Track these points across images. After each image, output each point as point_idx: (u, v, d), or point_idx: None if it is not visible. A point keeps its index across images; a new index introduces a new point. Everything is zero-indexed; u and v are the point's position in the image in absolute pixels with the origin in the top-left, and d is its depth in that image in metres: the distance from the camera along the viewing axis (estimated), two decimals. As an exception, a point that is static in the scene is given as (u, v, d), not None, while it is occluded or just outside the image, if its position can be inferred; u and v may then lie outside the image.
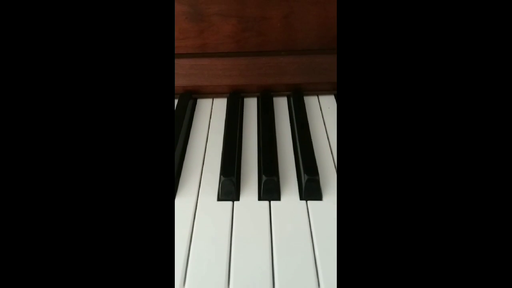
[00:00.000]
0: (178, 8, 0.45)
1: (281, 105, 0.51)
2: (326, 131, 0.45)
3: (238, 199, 0.37)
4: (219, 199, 0.37)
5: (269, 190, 0.36)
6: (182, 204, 0.37)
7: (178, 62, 0.50)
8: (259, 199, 0.37)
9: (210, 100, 0.53)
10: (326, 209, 0.35)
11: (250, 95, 0.53)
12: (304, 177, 0.36)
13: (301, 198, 0.37)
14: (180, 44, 0.49)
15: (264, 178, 0.36)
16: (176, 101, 0.50)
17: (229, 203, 0.36)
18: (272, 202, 0.36)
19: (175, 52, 0.49)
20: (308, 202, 0.36)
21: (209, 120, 0.49)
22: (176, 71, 0.50)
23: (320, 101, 0.51)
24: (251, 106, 0.51)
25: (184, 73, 0.50)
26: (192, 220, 0.35)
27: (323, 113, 0.49)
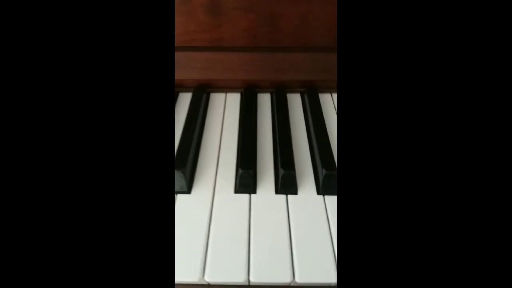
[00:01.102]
0: (197, 0, 0.45)
1: (295, 102, 0.51)
2: (340, 128, 0.46)
3: (255, 192, 0.37)
4: (236, 192, 0.37)
5: (287, 184, 0.37)
6: (199, 197, 0.37)
7: (193, 55, 0.50)
8: (276, 192, 0.37)
9: (223, 94, 0.53)
10: (343, 204, 0.36)
11: (263, 90, 0.53)
12: (322, 172, 0.37)
13: (318, 193, 0.37)
14: (196, 37, 0.49)
15: (282, 171, 0.37)
16: (190, 94, 0.51)
17: (246, 196, 0.37)
18: (289, 196, 0.37)
19: (191, 45, 0.49)
20: (326, 196, 0.36)
21: (223, 114, 0.49)
22: (190, 64, 0.50)
23: (334, 98, 0.51)
24: (264, 101, 0.52)
25: (199, 67, 0.50)
26: (210, 212, 0.35)
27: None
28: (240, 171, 0.37)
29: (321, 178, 0.37)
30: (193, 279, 0.30)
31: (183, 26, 0.47)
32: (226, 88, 0.53)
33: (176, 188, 0.37)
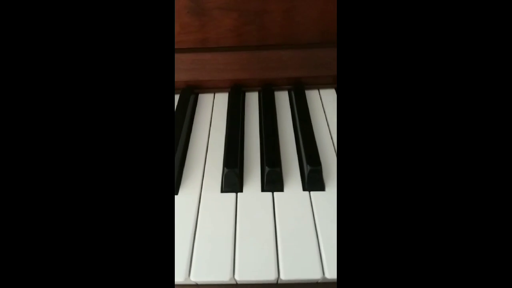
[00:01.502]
0: (180, 2, 0.45)
1: (282, 99, 0.51)
2: (328, 124, 0.46)
3: (241, 191, 0.37)
4: (222, 191, 0.37)
5: (272, 181, 0.37)
6: (186, 197, 0.37)
7: (179, 57, 0.50)
8: (262, 190, 0.37)
9: (212, 94, 0.53)
10: (329, 199, 0.36)
11: (251, 89, 0.53)
12: (307, 168, 0.36)
13: (304, 189, 0.37)
14: (182, 38, 0.49)
15: (267, 169, 0.37)
16: (177, 96, 0.51)
17: (233, 194, 0.37)
18: (275, 193, 0.37)
19: (177, 47, 0.49)
20: (311, 192, 0.36)
21: (211, 114, 0.49)
22: (177, 66, 0.50)
23: (321, 94, 0.51)
24: (252, 100, 0.52)
25: (186, 68, 0.50)
26: (196, 212, 0.35)
27: (324, 106, 0.49)
28: (226, 170, 0.37)
29: (306, 174, 0.37)
30: (179, 279, 0.30)
31: (168, 28, 0.48)
32: (214, 88, 0.53)
33: (163, 190, 0.37)
